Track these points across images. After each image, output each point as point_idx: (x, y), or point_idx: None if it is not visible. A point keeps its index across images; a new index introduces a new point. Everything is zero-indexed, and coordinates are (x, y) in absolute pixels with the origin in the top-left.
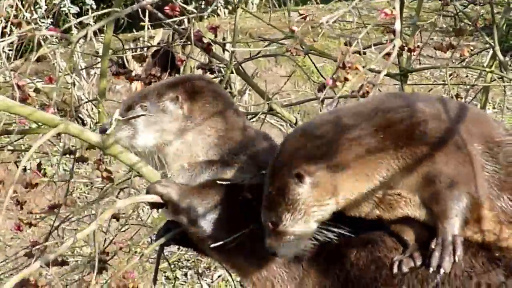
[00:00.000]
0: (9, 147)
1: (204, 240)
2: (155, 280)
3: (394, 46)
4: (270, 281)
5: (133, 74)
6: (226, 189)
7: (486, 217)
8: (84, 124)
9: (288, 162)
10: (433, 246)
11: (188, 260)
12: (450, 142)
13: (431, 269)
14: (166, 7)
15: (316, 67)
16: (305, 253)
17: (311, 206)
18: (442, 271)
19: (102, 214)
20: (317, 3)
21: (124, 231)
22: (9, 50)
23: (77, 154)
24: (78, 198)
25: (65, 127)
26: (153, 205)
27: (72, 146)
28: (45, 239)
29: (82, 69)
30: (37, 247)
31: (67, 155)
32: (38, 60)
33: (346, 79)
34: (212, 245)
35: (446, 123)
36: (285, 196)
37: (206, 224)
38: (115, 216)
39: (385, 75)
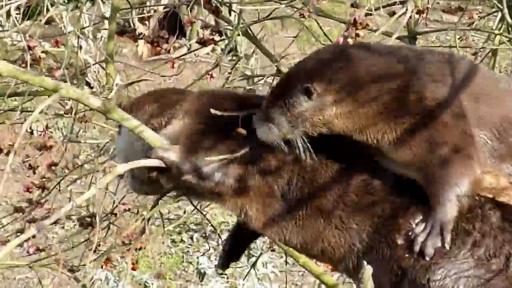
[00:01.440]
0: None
1: (213, 191)
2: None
3: (406, 10)
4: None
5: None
6: (222, 135)
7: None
8: (91, 87)
9: (303, 73)
10: (420, 229)
11: (193, 223)
12: (449, 112)
13: (414, 254)
14: None
15: (322, 30)
16: (274, 144)
17: (305, 120)
18: (426, 258)
19: (102, 178)
20: None
21: (132, 192)
22: (17, 14)
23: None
24: (85, 162)
25: (65, 92)
26: (152, 170)
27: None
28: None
29: (86, 27)
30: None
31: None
32: (46, 23)
33: (357, 35)
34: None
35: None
36: (287, 100)
37: (214, 175)
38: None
39: (392, 37)
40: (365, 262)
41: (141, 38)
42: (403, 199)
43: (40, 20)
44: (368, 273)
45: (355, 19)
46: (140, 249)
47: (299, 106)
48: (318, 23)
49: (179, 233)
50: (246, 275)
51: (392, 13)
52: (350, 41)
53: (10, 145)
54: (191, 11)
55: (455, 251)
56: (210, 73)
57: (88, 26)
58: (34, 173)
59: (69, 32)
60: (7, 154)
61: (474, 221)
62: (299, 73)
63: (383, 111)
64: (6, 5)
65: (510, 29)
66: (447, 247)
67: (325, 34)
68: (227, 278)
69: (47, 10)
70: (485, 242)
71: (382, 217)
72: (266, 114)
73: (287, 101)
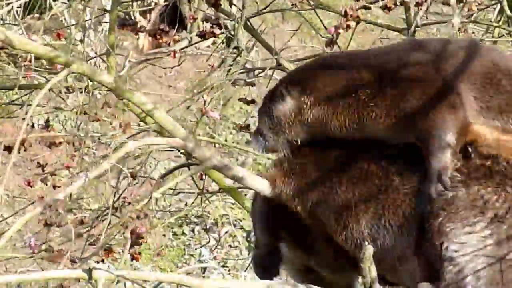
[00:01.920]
0: (17, 102)
1: None
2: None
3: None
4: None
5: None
6: None
7: (482, 135)
8: (91, 80)
9: (281, 81)
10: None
11: (194, 216)
12: (430, 82)
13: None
14: None
15: (322, 23)
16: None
17: (285, 125)
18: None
19: (113, 154)
20: None
21: (132, 186)
22: (18, 7)
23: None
24: (86, 154)
25: (78, 66)
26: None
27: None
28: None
29: (87, 20)
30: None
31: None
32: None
33: (348, 26)
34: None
35: (431, 65)
36: (267, 108)
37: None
38: (132, 175)
39: (393, 30)
40: (366, 242)
41: (142, 31)
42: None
43: (43, 18)
44: (369, 252)
45: (346, 10)
46: (141, 244)
47: (277, 111)
48: (318, 16)
49: (180, 226)
50: (248, 267)
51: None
52: (341, 31)
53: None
54: (191, 3)
55: (472, 218)
56: (211, 64)
57: (89, 19)
58: (43, 170)
59: (71, 25)
60: (9, 150)
61: (499, 193)
62: (279, 82)
63: (358, 103)
64: (8, 4)
65: (509, 21)
66: (448, 187)
67: (325, 27)
68: (229, 270)
69: (50, 7)
70: (509, 221)
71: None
72: (257, 127)
73: (267, 109)
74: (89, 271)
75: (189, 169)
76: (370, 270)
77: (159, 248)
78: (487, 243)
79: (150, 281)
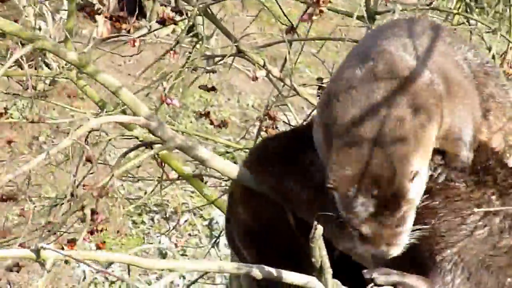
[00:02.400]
0: None
1: None
2: None
3: None
4: None
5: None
6: None
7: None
8: (50, 68)
9: (400, 162)
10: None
11: (154, 204)
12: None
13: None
14: None
15: (283, 11)
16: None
17: (418, 198)
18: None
19: (76, 130)
20: None
21: (92, 173)
22: None
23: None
24: (45, 143)
25: (42, 43)
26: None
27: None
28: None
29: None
30: None
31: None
32: (2, 0)
33: (321, 12)
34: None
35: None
36: (403, 198)
37: None
38: (88, 159)
39: (351, 17)
40: (316, 222)
41: (99, 14)
42: None
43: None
44: (318, 232)
45: None
46: (101, 230)
47: (412, 197)
48: (278, 3)
49: (140, 214)
50: (206, 255)
51: None
52: (314, 18)
53: None
54: None
55: (465, 211)
56: (173, 50)
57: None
58: None
59: (27, 15)
60: None
61: (499, 187)
62: (388, 170)
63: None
64: None
65: (468, 8)
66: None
67: (285, 15)
68: (189, 258)
69: None
70: (504, 212)
71: None
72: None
73: (397, 208)
74: (37, 251)
75: (151, 148)
76: (320, 249)
77: (119, 236)
78: (479, 232)
79: (100, 261)
